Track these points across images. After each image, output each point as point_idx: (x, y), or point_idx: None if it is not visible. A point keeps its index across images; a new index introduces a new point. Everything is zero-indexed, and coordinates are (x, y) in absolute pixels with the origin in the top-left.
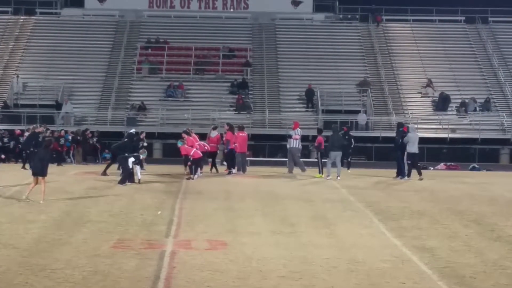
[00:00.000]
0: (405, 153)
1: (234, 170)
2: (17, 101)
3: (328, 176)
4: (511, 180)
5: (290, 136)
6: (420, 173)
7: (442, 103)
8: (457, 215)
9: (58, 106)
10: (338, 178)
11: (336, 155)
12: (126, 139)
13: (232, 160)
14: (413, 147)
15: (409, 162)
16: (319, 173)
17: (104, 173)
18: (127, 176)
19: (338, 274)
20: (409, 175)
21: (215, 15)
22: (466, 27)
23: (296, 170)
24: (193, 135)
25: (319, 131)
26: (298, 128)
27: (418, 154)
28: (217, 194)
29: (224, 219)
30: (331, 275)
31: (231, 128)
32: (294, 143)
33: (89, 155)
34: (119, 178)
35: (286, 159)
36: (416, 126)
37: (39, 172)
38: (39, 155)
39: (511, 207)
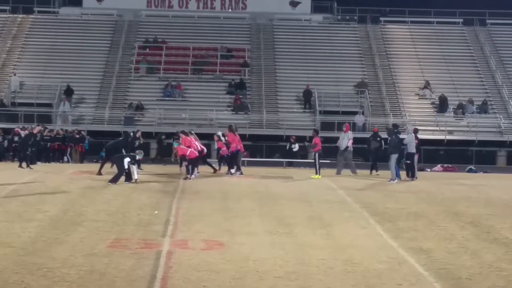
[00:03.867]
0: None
1: (234, 171)
2: (15, 99)
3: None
4: (508, 182)
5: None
6: (413, 175)
7: (441, 105)
8: (454, 217)
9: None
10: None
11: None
12: (121, 138)
13: (235, 161)
14: (412, 148)
15: (408, 162)
16: (316, 174)
17: (99, 173)
18: (120, 176)
19: (334, 275)
20: (413, 175)
21: (213, 15)
22: (464, 29)
23: (294, 171)
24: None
25: (316, 132)
26: (349, 131)
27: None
28: (214, 194)
29: (221, 219)
30: (327, 275)
31: (231, 129)
32: (345, 145)
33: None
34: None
35: (284, 160)
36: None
37: None
38: None
39: (507, 209)
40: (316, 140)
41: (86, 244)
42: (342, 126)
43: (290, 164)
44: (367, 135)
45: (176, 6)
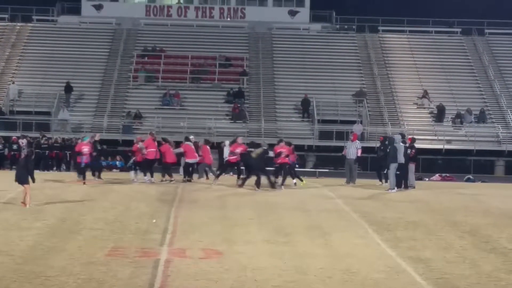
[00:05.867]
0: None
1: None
2: (13, 108)
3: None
4: (506, 192)
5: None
6: (400, 185)
7: (439, 115)
8: (452, 227)
9: (68, 88)
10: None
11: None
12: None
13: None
14: (402, 158)
15: (398, 172)
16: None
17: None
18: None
19: (332, 284)
20: (400, 186)
21: (212, 24)
22: (462, 39)
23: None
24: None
25: (280, 141)
26: (357, 141)
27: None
28: (212, 203)
29: (219, 228)
30: (325, 285)
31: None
32: (352, 154)
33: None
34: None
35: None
36: (410, 136)
37: (24, 180)
38: (22, 165)
39: (505, 219)
40: (277, 149)
41: (84, 253)
42: (350, 135)
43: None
44: (364, 144)
45: (175, 15)
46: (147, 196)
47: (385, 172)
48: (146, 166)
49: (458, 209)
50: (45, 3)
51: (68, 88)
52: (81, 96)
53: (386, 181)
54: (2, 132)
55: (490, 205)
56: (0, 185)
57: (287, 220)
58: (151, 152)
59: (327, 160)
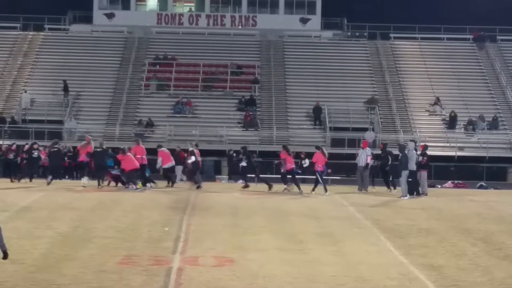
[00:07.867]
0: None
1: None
2: (25, 116)
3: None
4: None
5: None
6: (411, 192)
7: (451, 122)
8: (465, 234)
9: (65, 88)
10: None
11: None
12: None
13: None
14: (413, 165)
15: (410, 179)
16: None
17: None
18: None
19: None
20: (412, 193)
21: (224, 32)
22: (474, 46)
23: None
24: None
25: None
26: (367, 148)
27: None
28: (224, 211)
29: (231, 235)
30: None
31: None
32: (363, 162)
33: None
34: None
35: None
36: (423, 143)
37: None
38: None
39: None
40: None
41: (96, 261)
42: (360, 142)
43: (302, 181)
44: (376, 151)
45: (186, 23)
46: (159, 204)
47: (390, 179)
48: (142, 174)
49: (470, 216)
50: (57, 12)
51: (65, 88)
52: (93, 105)
53: (394, 188)
54: (14, 141)
55: (503, 212)
56: (13, 194)
57: (298, 228)
58: (139, 159)
59: (339, 168)
